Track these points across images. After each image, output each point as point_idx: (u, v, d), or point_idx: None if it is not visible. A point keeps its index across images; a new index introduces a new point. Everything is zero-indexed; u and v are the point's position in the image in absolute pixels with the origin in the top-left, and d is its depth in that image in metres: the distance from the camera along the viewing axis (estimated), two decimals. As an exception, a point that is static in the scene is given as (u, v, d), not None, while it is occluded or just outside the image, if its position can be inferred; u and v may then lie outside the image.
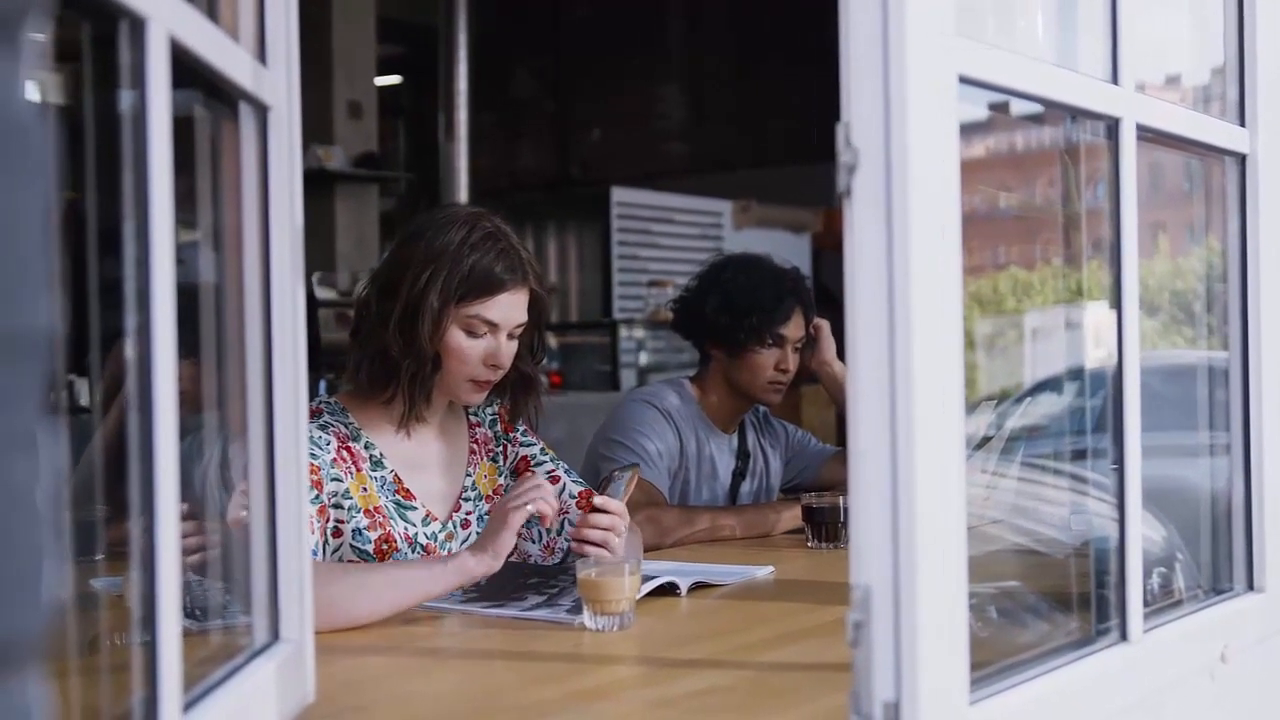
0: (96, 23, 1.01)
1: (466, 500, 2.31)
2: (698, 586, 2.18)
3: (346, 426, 2.20)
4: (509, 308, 2.19)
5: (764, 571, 2.35)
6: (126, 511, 1.06)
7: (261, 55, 1.35)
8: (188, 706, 1.09)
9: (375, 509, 2.17)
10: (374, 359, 2.19)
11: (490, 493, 2.35)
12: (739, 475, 3.12)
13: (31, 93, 0.56)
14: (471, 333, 2.17)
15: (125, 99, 1.02)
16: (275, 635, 1.37)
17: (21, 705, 0.53)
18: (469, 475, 2.33)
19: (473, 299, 2.16)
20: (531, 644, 1.82)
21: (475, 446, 2.36)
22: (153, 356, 1.00)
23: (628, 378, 7.34)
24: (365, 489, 2.17)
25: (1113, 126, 1.52)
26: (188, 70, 1.11)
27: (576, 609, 1.91)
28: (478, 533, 2.27)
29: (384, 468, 2.21)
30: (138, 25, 0.99)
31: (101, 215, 1.05)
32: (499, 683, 1.65)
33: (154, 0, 1.00)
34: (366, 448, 2.21)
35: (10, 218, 0.53)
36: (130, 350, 1.03)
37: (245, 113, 1.33)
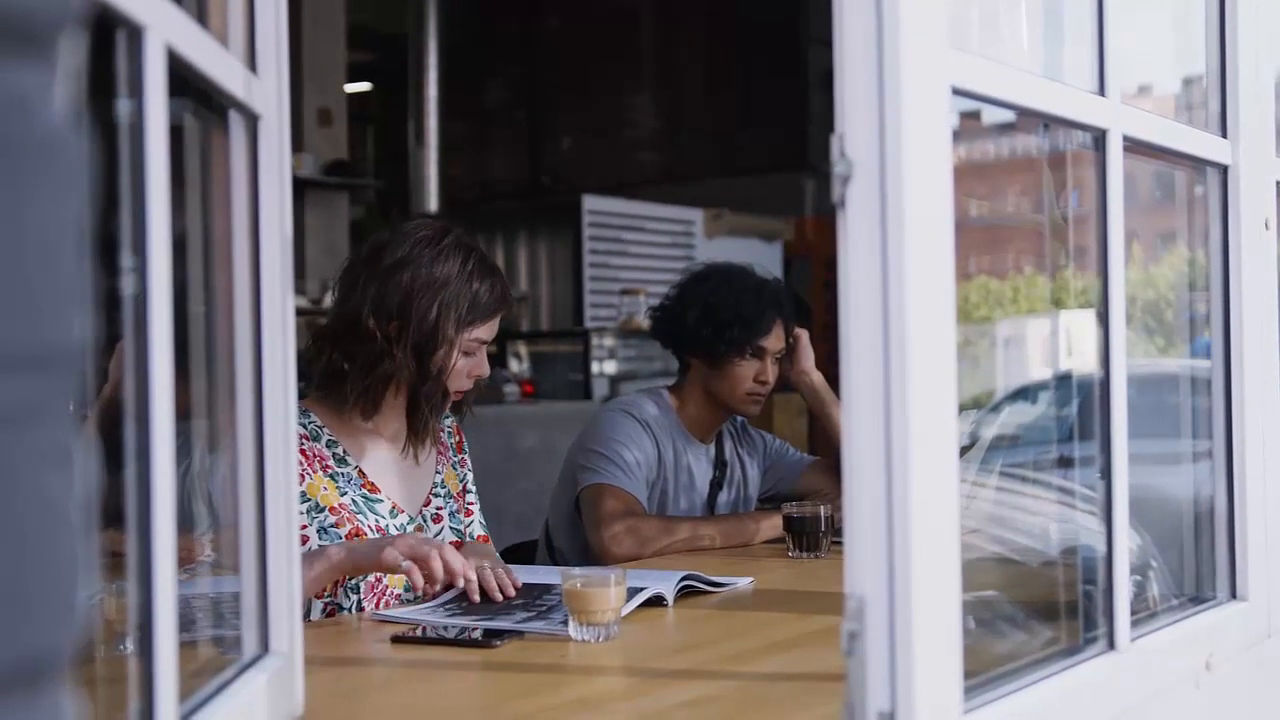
0: (92, 31, 1.00)
1: (437, 496, 2.40)
2: (685, 591, 2.19)
3: (305, 426, 2.22)
4: (497, 325, 2.34)
5: (744, 582, 2.35)
6: (107, 521, 1.05)
7: (252, 64, 1.34)
8: (181, 720, 1.08)
9: (340, 505, 2.22)
10: (382, 383, 2.26)
11: (456, 493, 2.44)
12: (716, 485, 3.12)
13: (65, 107, 0.56)
14: (468, 353, 2.30)
15: (121, 107, 1.01)
16: (265, 648, 1.36)
17: (58, 718, 0.53)
18: (438, 473, 2.42)
19: (477, 324, 2.29)
20: (518, 656, 1.81)
21: (441, 447, 2.45)
22: (150, 365, 0.99)
23: (600, 387, 7.33)
24: (326, 488, 2.23)
25: (1099, 138, 1.52)
26: (179, 78, 1.10)
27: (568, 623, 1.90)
28: (451, 527, 2.40)
29: (348, 465, 2.27)
30: (135, 34, 0.98)
31: (95, 224, 1.04)
32: (487, 695, 1.64)
33: (152, 9, 0.99)
34: (328, 446, 2.27)
35: (47, 232, 0.52)
36: (115, 360, 1.02)
37: (235, 121, 1.32)
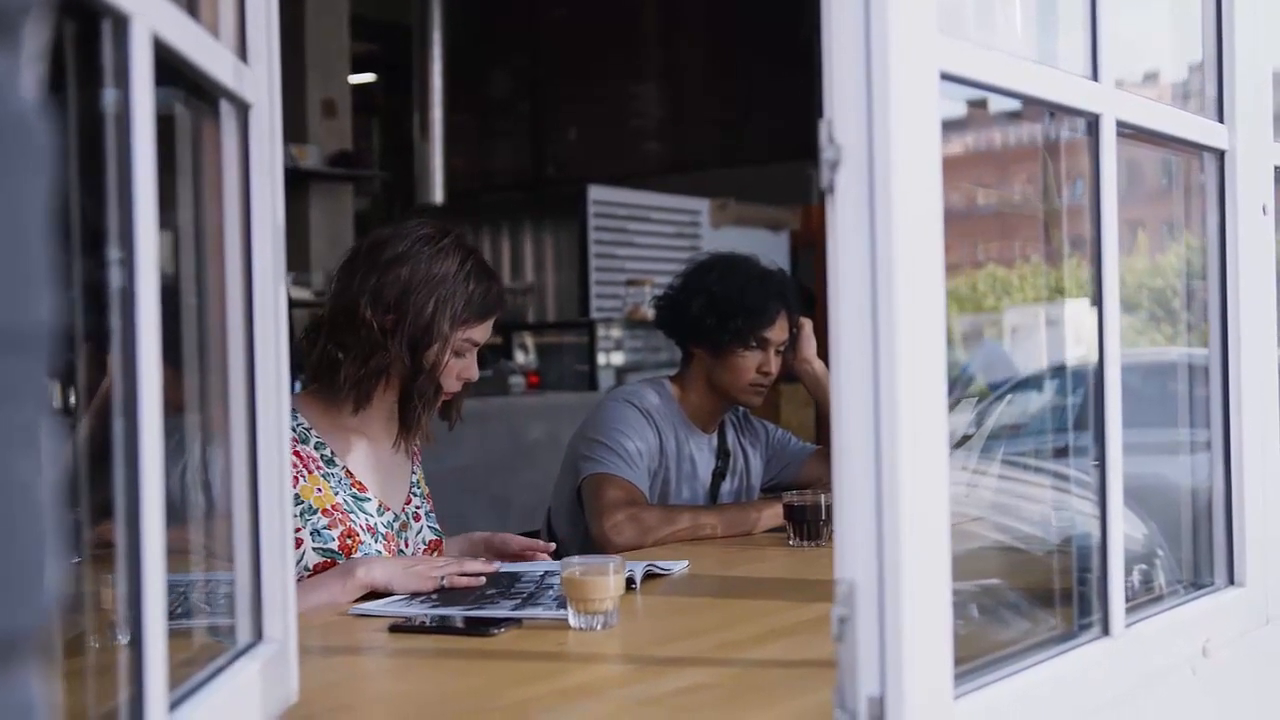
0: (78, 20, 1.00)
1: (415, 495, 2.45)
2: (649, 576, 2.24)
3: (294, 429, 2.24)
4: (490, 328, 2.37)
5: (680, 566, 2.37)
6: (105, 513, 1.06)
7: (242, 53, 1.34)
8: (173, 706, 1.08)
9: (333, 507, 2.26)
10: (375, 375, 2.28)
11: (426, 494, 2.49)
12: (719, 474, 3.12)
13: (32, 90, 0.56)
14: (458, 353, 2.32)
15: (107, 97, 1.01)
16: (259, 635, 1.36)
17: (26, 700, 0.53)
18: (414, 473, 2.47)
19: (471, 324, 2.31)
20: (515, 643, 1.81)
21: (416, 450, 2.49)
22: (137, 357, 1.00)
23: (605, 377, 7.33)
24: (320, 489, 2.26)
25: (1093, 123, 1.52)
26: (168, 68, 1.10)
27: (561, 605, 1.90)
28: (429, 526, 2.44)
29: (336, 465, 2.30)
30: (121, 23, 0.98)
31: (82, 215, 1.05)
32: (484, 682, 1.64)
33: (136, -3, 0.99)
34: (317, 448, 2.30)
35: (13, 214, 0.53)
36: (110, 351, 1.02)
37: (226, 111, 1.33)
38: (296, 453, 2.23)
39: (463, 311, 2.28)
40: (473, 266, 2.31)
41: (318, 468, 2.26)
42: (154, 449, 1.01)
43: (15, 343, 0.53)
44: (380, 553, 2.27)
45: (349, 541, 2.24)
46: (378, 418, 2.36)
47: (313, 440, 2.29)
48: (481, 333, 2.34)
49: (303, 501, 2.21)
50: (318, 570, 2.19)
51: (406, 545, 2.37)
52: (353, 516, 2.26)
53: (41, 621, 0.55)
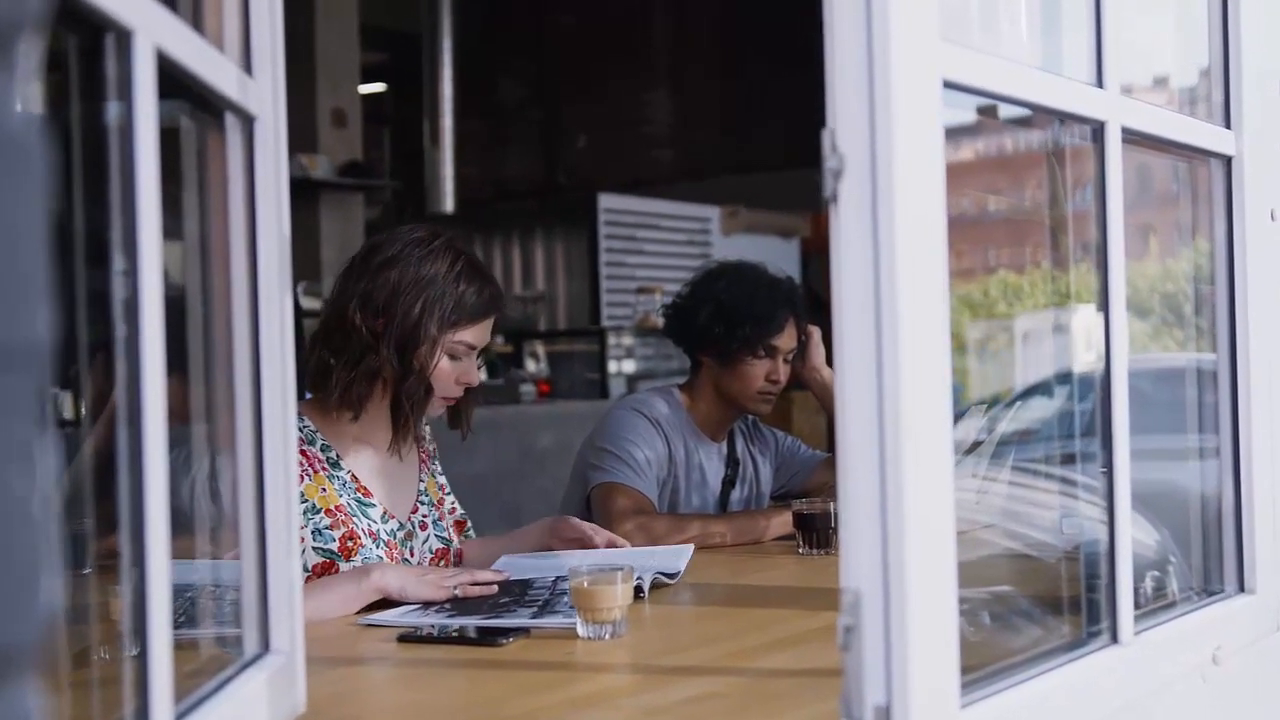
0: (82, 34, 1.01)
1: (422, 504, 2.44)
2: (656, 586, 2.23)
3: (300, 431, 2.24)
4: (486, 332, 2.35)
5: (685, 552, 2.41)
6: (114, 525, 1.06)
7: (247, 66, 1.35)
8: (179, 717, 1.08)
9: (337, 508, 2.26)
10: (366, 379, 2.27)
11: (436, 501, 2.48)
12: (729, 483, 3.12)
13: (27, 105, 0.57)
14: (453, 356, 2.31)
15: (111, 110, 1.02)
16: (266, 646, 1.37)
17: (21, 714, 0.53)
18: (421, 481, 2.46)
19: (462, 326, 2.29)
20: (524, 653, 1.81)
21: (424, 456, 2.49)
22: (141, 369, 1.00)
23: (616, 385, 7.33)
24: (324, 490, 2.26)
25: (1098, 130, 1.52)
26: (173, 81, 1.11)
27: (574, 613, 1.90)
28: (436, 535, 2.43)
29: (342, 469, 2.31)
30: (124, 37, 0.99)
31: (86, 226, 1.05)
32: (492, 692, 1.64)
33: (141, 12, 0.99)
34: (323, 450, 2.30)
35: (8, 229, 0.53)
36: (119, 363, 1.03)
37: (231, 123, 1.33)
38: (303, 452, 2.24)
39: (452, 313, 2.27)
40: (463, 268, 2.30)
41: (323, 469, 2.27)
42: (158, 459, 1.01)
43: (11, 359, 0.53)
44: (381, 559, 2.27)
45: (349, 544, 2.24)
46: (380, 425, 2.35)
47: (319, 442, 2.29)
48: (475, 335, 2.32)
49: (306, 500, 2.21)
50: (317, 571, 2.20)
51: (412, 554, 2.36)
52: (355, 520, 2.26)
53: (37, 635, 0.55)
